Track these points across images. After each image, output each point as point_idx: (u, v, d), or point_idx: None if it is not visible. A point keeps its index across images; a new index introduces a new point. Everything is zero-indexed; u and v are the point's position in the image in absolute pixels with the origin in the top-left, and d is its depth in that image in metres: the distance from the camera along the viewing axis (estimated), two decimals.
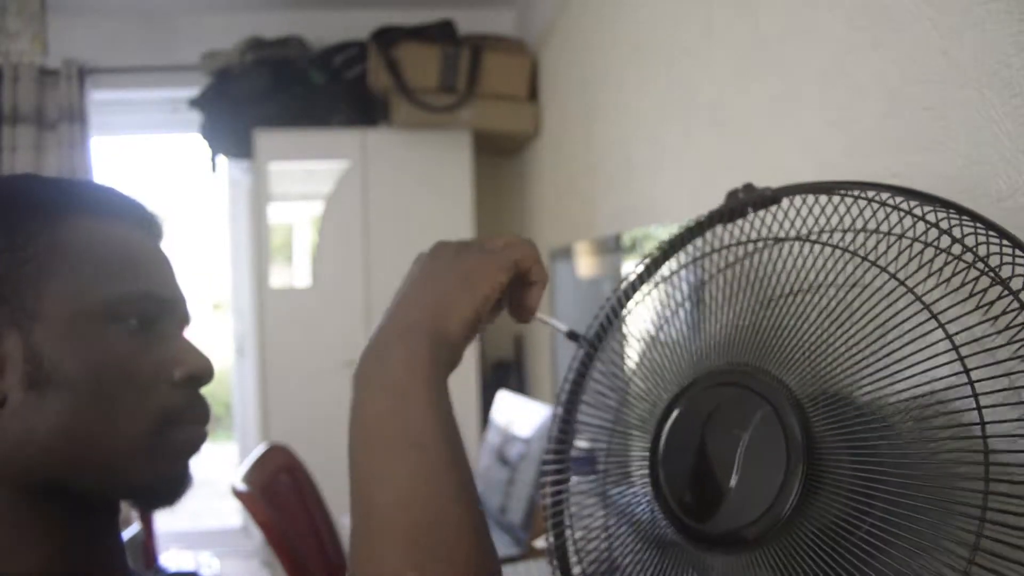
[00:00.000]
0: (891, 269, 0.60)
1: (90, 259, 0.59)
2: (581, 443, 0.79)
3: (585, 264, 2.34)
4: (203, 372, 0.62)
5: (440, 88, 2.87)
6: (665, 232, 1.57)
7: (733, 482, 0.62)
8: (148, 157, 5.64)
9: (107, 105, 3.25)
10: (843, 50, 1.04)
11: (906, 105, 0.91)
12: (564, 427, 0.79)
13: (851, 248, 0.63)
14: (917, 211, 0.61)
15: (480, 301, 0.57)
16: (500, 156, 3.40)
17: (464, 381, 2.98)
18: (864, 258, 0.62)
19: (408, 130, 2.94)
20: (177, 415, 0.60)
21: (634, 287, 0.79)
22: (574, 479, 0.78)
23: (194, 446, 0.62)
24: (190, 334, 0.67)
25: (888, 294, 0.60)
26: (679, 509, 0.66)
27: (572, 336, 0.74)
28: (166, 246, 0.68)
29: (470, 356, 3.00)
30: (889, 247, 0.61)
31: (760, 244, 0.71)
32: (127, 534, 2.21)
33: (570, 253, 2.46)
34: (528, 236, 3.60)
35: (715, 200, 0.75)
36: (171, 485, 0.61)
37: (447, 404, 0.54)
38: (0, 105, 2.96)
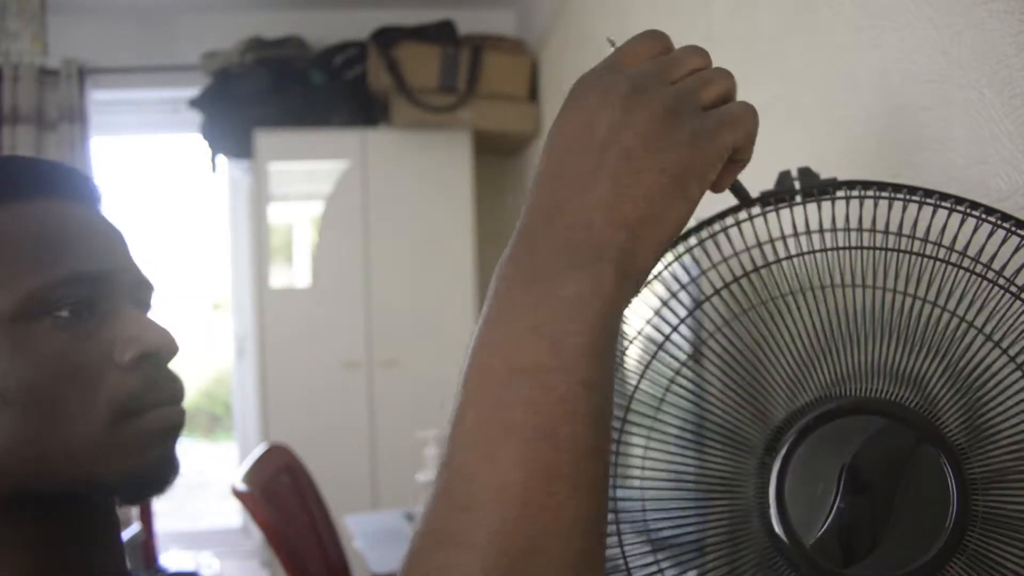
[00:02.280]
0: None
1: (4, 256, 0.52)
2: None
3: None
4: (157, 347, 0.54)
5: (440, 88, 2.87)
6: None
7: (887, 526, 0.56)
8: (148, 157, 5.64)
9: (107, 105, 3.25)
10: (843, 50, 1.04)
11: (906, 105, 0.91)
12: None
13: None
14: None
15: (688, 214, 0.40)
16: (500, 156, 3.39)
17: None
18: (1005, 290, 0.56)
19: (408, 130, 2.94)
20: (136, 402, 0.53)
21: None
22: None
23: (166, 430, 0.55)
24: (151, 306, 0.59)
25: None
26: (813, 552, 0.57)
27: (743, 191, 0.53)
28: (106, 214, 0.59)
29: None
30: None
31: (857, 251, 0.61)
32: (126, 534, 2.21)
33: None
34: None
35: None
36: (150, 475, 0.54)
37: (612, 379, 0.38)
38: (0, 105, 2.96)
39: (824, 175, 0.63)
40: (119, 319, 0.54)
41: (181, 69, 3.16)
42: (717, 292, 0.66)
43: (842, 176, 0.62)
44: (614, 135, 0.39)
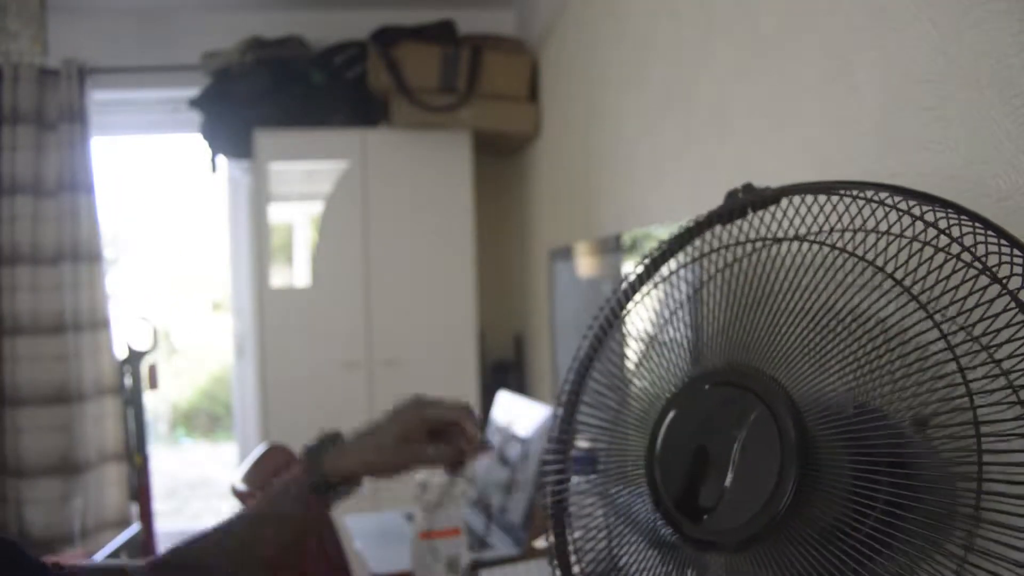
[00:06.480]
0: (888, 269, 0.60)
1: None
2: (581, 442, 0.78)
3: (585, 264, 2.34)
4: None
5: (440, 88, 2.87)
6: (665, 232, 1.57)
7: (728, 483, 0.62)
8: (148, 157, 5.64)
9: (107, 105, 3.25)
10: (843, 50, 1.04)
11: (906, 105, 0.91)
12: (564, 427, 0.79)
13: (849, 248, 0.63)
14: (915, 210, 0.61)
15: None
16: (500, 156, 3.40)
17: (464, 381, 2.98)
18: (861, 258, 0.62)
19: (408, 130, 2.95)
20: None
21: (634, 287, 0.79)
22: (574, 479, 0.78)
23: None
24: None
25: (885, 293, 0.61)
26: (676, 510, 0.66)
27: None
28: None
29: (470, 356, 3.00)
30: (887, 247, 0.61)
31: (759, 244, 0.71)
32: (127, 534, 2.20)
33: (570, 253, 2.46)
34: (528, 236, 3.54)
35: (715, 200, 0.76)
36: None
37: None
38: (0, 105, 2.96)
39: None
40: None
41: (181, 69, 3.16)
42: (633, 296, 0.67)
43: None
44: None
